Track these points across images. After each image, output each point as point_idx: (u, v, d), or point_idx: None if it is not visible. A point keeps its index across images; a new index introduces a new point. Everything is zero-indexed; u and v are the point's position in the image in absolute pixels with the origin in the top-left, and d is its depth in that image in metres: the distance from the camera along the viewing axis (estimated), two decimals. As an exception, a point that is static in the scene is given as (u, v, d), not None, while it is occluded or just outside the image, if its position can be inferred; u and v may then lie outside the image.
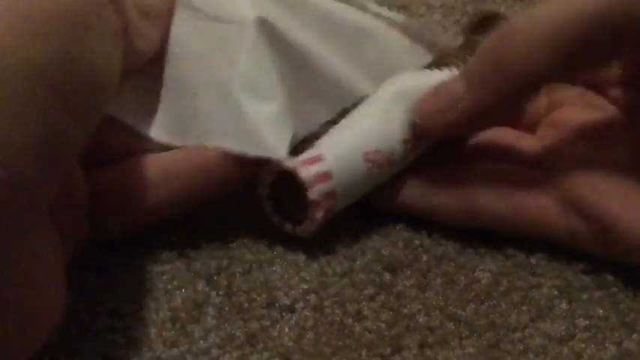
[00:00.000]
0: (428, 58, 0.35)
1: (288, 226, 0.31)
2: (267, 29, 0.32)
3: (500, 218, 0.31)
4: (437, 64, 0.34)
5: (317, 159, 0.30)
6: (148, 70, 0.31)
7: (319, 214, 0.30)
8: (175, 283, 0.29)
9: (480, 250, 0.31)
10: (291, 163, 0.30)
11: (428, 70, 0.34)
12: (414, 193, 0.32)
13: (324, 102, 0.33)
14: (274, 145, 0.30)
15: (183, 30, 0.32)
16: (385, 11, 0.36)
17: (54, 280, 0.24)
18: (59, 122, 0.22)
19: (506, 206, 0.31)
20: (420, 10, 0.47)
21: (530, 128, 0.35)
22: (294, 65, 0.32)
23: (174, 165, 0.30)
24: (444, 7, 0.48)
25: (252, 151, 0.30)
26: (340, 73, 0.33)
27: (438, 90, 0.31)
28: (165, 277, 0.30)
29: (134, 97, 0.32)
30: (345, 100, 0.33)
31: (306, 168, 0.29)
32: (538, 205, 0.31)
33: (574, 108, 0.34)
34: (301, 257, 0.31)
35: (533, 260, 0.31)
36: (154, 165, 0.30)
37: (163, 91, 0.32)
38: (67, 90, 0.22)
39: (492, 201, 0.31)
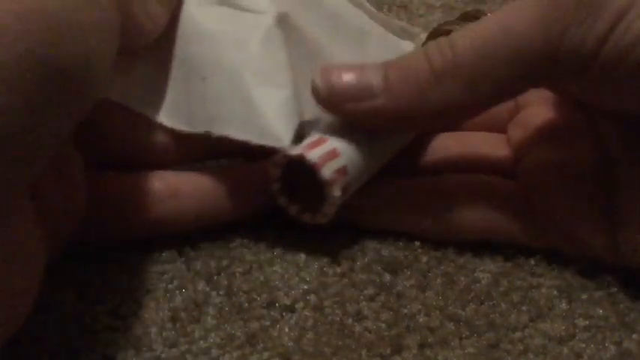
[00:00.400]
0: None
1: (307, 216, 0.30)
2: (283, 21, 0.32)
3: (477, 233, 0.31)
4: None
5: (321, 141, 0.29)
6: (155, 51, 0.31)
7: (337, 192, 0.29)
8: (175, 283, 0.29)
9: (479, 250, 0.31)
10: (296, 150, 0.29)
11: None
12: (383, 213, 0.32)
13: None
14: (279, 133, 0.30)
15: (196, 11, 0.32)
16: (380, 14, 0.37)
17: (29, 266, 0.24)
18: (22, 122, 0.21)
19: (483, 222, 0.31)
20: (420, 10, 0.47)
21: (499, 128, 0.35)
22: (306, 57, 0.32)
23: (185, 185, 0.30)
24: (444, 7, 0.48)
25: (257, 140, 0.29)
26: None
27: (354, 70, 0.29)
28: (165, 277, 0.30)
29: (141, 79, 0.31)
30: None
31: (312, 151, 0.29)
32: (513, 225, 0.31)
33: (540, 107, 0.34)
34: (301, 257, 0.31)
35: (532, 261, 0.31)
36: (164, 182, 0.30)
37: (172, 74, 0.32)
38: (31, 90, 0.21)
39: (468, 217, 0.31)
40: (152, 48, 0.30)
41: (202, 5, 0.32)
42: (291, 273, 0.30)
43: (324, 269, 0.30)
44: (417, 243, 0.31)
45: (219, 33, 0.31)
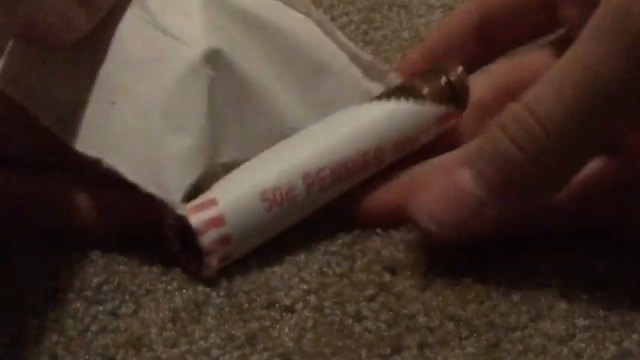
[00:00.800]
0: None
1: (194, 267, 0.29)
2: (213, 58, 0.30)
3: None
4: (399, 90, 0.33)
5: (210, 203, 0.29)
6: (76, 55, 0.30)
7: (214, 261, 0.29)
8: (175, 283, 0.29)
9: (479, 250, 0.31)
10: (182, 209, 0.28)
11: (377, 101, 0.32)
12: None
13: (257, 139, 0.32)
14: (172, 187, 0.29)
15: (126, 29, 0.31)
16: (351, 44, 0.35)
17: None
18: None
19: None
20: (420, 10, 0.47)
21: None
22: (237, 97, 0.31)
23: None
24: (444, 7, 0.47)
25: (147, 187, 0.29)
26: (285, 110, 0.32)
27: (447, 188, 0.27)
28: (165, 277, 0.30)
29: (53, 82, 0.30)
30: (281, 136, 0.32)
31: (196, 214, 0.28)
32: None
33: None
34: (301, 258, 0.31)
35: (533, 260, 0.31)
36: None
37: (87, 86, 0.30)
38: None
39: None
40: (73, 52, 0.29)
41: (138, 24, 0.31)
42: (291, 273, 0.30)
43: (324, 269, 0.30)
44: (417, 243, 0.31)
45: (141, 59, 0.30)
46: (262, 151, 0.31)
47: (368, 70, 0.35)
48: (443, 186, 0.28)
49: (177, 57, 0.30)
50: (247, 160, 0.31)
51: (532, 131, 0.25)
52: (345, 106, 0.32)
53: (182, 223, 0.29)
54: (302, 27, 0.34)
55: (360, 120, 0.32)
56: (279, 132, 0.32)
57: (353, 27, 0.45)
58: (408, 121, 0.32)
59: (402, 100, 0.32)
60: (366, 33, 0.45)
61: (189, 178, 0.29)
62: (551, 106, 0.25)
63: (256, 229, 0.29)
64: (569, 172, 0.26)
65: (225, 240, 0.29)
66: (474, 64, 0.35)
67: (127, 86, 0.30)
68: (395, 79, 0.35)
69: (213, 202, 0.29)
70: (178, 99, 0.30)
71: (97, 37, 0.30)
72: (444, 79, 0.33)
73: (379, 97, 0.33)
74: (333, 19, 0.46)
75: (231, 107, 0.31)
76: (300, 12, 0.34)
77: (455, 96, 0.33)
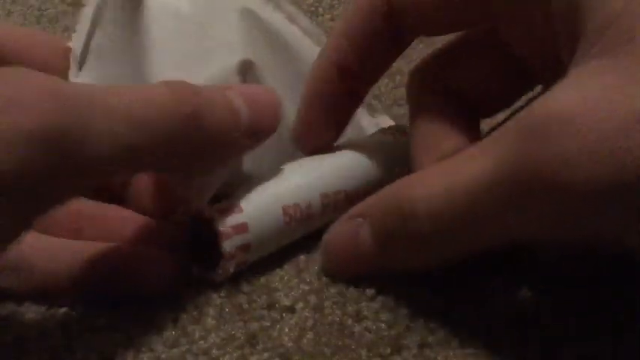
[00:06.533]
0: None
1: (205, 271, 0.29)
2: (246, 69, 0.32)
3: None
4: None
5: (235, 209, 0.29)
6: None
7: (231, 267, 0.29)
8: (175, 283, 0.29)
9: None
10: (209, 210, 0.29)
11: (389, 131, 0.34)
12: None
13: (274, 151, 0.32)
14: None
15: (167, 26, 0.32)
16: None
17: None
18: None
19: None
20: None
21: None
22: None
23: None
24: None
25: None
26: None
27: (341, 235, 0.30)
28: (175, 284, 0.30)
29: None
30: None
31: (223, 218, 0.29)
32: None
33: None
34: (301, 258, 0.31)
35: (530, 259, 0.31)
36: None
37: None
38: None
39: None
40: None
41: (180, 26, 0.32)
42: (291, 274, 0.30)
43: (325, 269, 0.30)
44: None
45: (183, 54, 0.32)
46: (275, 168, 0.32)
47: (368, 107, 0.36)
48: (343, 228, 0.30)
49: (215, 58, 0.32)
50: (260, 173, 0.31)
51: (419, 217, 0.27)
52: (345, 137, 0.34)
53: (200, 223, 0.29)
54: (308, 51, 0.35)
55: (373, 152, 0.33)
56: (287, 152, 0.33)
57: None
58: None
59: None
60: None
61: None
62: (443, 199, 0.26)
63: (273, 239, 0.30)
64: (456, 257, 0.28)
65: (245, 248, 0.29)
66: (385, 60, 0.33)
67: (165, 76, 0.31)
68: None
69: (239, 209, 0.29)
70: None
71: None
72: None
73: (390, 128, 0.35)
74: (332, 19, 0.46)
75: None
76: (305, 33, 0.35)
77: None
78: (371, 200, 0.29)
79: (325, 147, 0.33)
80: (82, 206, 0.30)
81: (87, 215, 0.30)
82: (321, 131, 0.33)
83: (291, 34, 0.34)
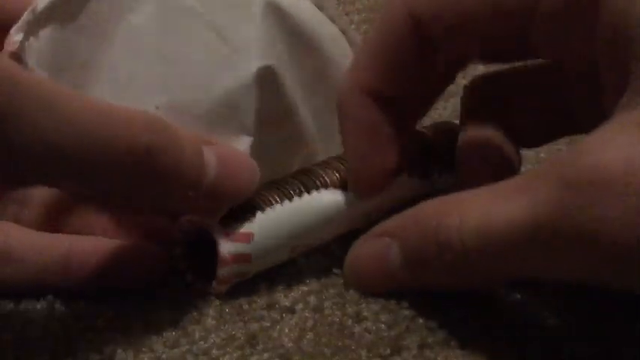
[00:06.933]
0: None
1: (196, 284, 0.29)
2: (265, 76, 0.30)
3: None
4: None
5: (245, 237, 0.28)
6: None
7: (223, 290, 0.29)
8: (176, 284, 0.30)
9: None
10: (216, 229, 0.28)
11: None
12: None
13: (289, 161, 0.32)
14: None
15: (174, 24, 0.30)
16: None
17: None
18: None
19: None
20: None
21: None
22: (277, 119, 0.31)
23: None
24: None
25: None
26: (307, 135, 0.32)
27: (368, 254, 0.29)
28: (166, 278, 0.30)
29: None
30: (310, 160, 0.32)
31: (227, 243, 0.28)
32: None
33: None
34: (302, 259, 0.31)
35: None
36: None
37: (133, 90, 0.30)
38: None
39: None
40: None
41: (189, 21, 0.30)
42: (291, 274, 0.30)
43: (324, 271, 0.30)
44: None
45: (190, 61, 0.30)
46: (291, 166, 0.31)
47: None
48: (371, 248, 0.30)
49: (230, 68, 0.30)
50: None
51: (453, 244, 0.26)
52: None
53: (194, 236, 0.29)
54: (337, 48, 0.33)
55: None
56: (299, 157, 0.32)
57: (353, 27, 0.45)
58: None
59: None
60: (366, 33, 0.45)
61: None
62: (476, 234, 0.26)
63: (271, 264, 0.30)
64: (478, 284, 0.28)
65: (242, 275, 0.29)
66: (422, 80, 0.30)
67: (174, 90, 0.30)
68: None
69: (248, 237, 0.29)
70: (225, 113, 0.30)
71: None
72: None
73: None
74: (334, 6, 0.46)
75: (271, 127, 0.31)
76: (339, 28, 0.34)
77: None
78: (400, 221, 0.29)
79: (385, 183, 0.31)
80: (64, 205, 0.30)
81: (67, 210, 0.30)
82: (374, 167, 0.30)
83: (317, 23, 0.32)
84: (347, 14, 0.46)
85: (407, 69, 0.29)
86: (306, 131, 0.32)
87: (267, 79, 0.30)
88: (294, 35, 0.31)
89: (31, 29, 0.30)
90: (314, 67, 0.32)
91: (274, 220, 0.29)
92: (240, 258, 0.28)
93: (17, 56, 0.30)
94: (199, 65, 0.30)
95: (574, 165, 0.24)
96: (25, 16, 0.30)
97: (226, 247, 0.28)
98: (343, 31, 0.34)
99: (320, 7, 0.33)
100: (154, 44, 0.30)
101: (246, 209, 0.29)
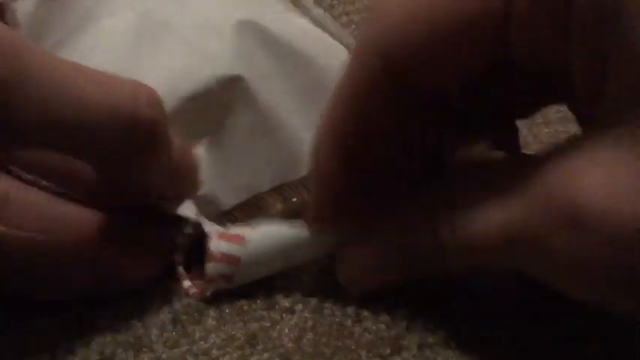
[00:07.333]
0: None
1: (192, 290, 0.29)
2: (233, 85, 0.31)
3: None
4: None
5: (238, 239, 0.28)
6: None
7: (209, 290, 0.29)
8: (176, 284, 0.30)
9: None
10: (211, 229, 0.29)
11: None
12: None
13: (271, 171, 0.32)
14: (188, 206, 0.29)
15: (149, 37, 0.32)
16: None
17: None
18: None
19: None
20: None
21: None
22: (258, 127, 0.31)
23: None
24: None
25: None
26: (301, 143, 0.32)
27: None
28: (166, 278, 0.30)
29: None
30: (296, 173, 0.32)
31: (222, 241, 0.28)
32: None
33: None
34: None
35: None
36: None
37: None
38: None
39: None
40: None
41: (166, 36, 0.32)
42: (291, 275, 0.30)
43: (324, 271, 0.30)
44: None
45: (164, 67, 0.31)
46: (272, 178, 0.31)
47: None
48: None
49: (196, 73, 0.31)
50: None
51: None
52: None
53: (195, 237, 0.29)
54: (333, 61, 0.33)
55: None
56: (291, 163, 0.32)
57: (353, 27, 0.44)
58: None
59: None
60: (366, 33, 0.45)
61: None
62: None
63: (258, 276, 0.29)
64: None
65: (228, 278, 0.29)
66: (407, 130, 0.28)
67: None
68: None
69: (240, 240, 0.28)
70: (187, 115, 0.30)
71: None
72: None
73: None
74: (333, 18, 0.46)
75: (245, 135, 0.31)
76: (334, 37, 0.34)
77: None
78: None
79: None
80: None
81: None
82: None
83: (301, 36, 0.33)
84: (347, 14, 0.46)
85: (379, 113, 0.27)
86: (295, 142, 0.32)
87: (234, 86, 0.31)
88: (277, 50, 0.32)
89: None
90: (307, 78, 0.33)
91: (271, 232, 0.29)
92: (228, 258, 0.28)
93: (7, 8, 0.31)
94: (166, 69, 0.31)
95: (558, 190, 0.24)
96: None
97: (216, 244, 0.28)
98: (340, 40, 0.34)
99: (318, 24, 0.34)
100: (127, 46, 0.31)
101: (248, 212, 0.29)
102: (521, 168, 0.25)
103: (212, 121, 0.31)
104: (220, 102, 0.31)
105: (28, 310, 0.28)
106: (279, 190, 0.32)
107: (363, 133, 0.27)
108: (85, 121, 0.24)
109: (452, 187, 0.27)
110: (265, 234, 0.29)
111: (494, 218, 0.25)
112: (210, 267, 0.28)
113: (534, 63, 0.26)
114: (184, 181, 0.30)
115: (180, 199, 0.29)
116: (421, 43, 0.25)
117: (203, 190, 0.30)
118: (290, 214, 0.31)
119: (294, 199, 0.31)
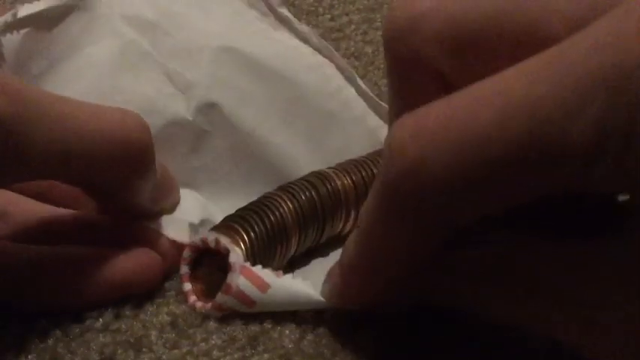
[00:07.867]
0: None
1: (198, 305, 0.29)
2: (209, 111, 0.33)
3: None
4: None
5: (263, 286, 0.28)
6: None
7: (218, 315, 0.28)
8: (177, 285, 0.30)
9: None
10: (236, 260, 0.28)
11: None
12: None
13: (255, 184, 0.33)
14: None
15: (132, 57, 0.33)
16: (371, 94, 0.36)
17: None
18: None
19: None
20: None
21: None
22: (235, 148, 0.33)
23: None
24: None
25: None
26: (288, 158, 0.33)
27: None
28: (166, 279, 0.30)
29: None
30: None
31: (244, 278, 0.28)
32: None
33: None
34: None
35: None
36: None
37: None
38: None
39: None
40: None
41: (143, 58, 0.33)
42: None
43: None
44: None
45: (139, 95, 0.32)
46: (258, 195, 0.32)
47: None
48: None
49: (171, 103, 0.32)
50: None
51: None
52: (356, 154, 0.34)
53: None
54: (315, 76, 0.35)
55: None
56: (279, 179, 0.33)
57: (353, 27, 0.45)
58: None
59: None
60: (365, 33, 0.45)
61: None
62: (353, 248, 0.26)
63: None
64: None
65: (234, 310, 0.28)
66: None
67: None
68: None
69: (263, 286, 0.28)
70: (166, 142, 0.32)
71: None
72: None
73: None
74: (332, 19, 0.46)
75: (227, 157, 0.33)
76: (324, 56, 0.35)
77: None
78: None
79: None
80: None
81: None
82: None
83: (281, 59, 0.34)
84: (347, 14, 0.46)
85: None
86: (280, 157, 0.33)
87: (210, 112, 0.33)
88: (257, 73, 0.34)
89: (9, 27, 0.32)
90: (289, 96, 0.34)
91: (296, 292, 0.28)
92: (244, 298, 0.28)
93: None
94: (144, 98, 0.32)
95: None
96: (4, 18, 0.32)
97: (236, 279, 0.28)
98: (330, 59, 0.35)
99: (304, 40, 0.35)
100: (107, 74, 0.32)
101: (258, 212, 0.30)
102: None
103: (188, 146, 0.33)
104: (196, 128, 0.33)
105: (28, 310, 0.28)
106: (285, 188, 0.32)
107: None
108: (86, 149, 0.26)
109: None
110: (290, 291, 0.28)
111: None
112: (224, 298, 0.28)
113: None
114: (166, 200, 0.31)
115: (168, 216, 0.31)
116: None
117: (193, 214, 0.31)
118: (299, 213, 0.31)
119: (303, 197, 0.32)
